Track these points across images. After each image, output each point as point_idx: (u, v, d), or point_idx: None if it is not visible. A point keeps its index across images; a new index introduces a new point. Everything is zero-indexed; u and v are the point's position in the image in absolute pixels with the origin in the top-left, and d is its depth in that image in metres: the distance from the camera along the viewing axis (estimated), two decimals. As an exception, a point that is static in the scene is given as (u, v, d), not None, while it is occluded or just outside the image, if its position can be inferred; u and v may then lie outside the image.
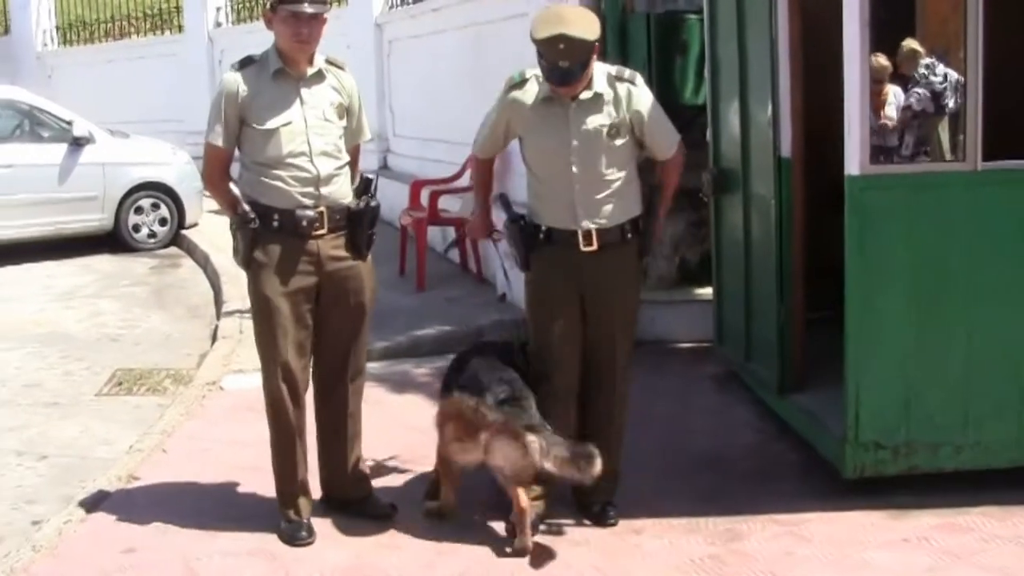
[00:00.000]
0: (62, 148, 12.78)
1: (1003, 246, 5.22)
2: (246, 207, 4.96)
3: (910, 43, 7.89)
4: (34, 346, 9.06)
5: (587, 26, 4.85)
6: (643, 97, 5.13)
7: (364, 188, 5.22)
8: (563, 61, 4.81)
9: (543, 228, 5.09)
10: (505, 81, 5.15)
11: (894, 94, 7.74)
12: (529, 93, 5.05)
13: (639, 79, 5.18)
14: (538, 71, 5.03)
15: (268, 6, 5.01)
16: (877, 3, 5.10)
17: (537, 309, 5.20)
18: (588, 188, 5.02)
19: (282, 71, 5.00)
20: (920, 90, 7.88)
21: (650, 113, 5.14)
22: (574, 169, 5.00)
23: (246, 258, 5.03)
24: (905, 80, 8.02)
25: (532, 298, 5.25)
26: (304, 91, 5.03)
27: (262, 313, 5.05)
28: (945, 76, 7.61)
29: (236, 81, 4.99)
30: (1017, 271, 5.24)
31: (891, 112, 7.52)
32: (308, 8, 4.90)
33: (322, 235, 5.03)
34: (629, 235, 5.14)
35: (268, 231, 4.98)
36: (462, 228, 9.84)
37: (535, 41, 4.83)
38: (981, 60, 5.10)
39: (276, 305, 5.00)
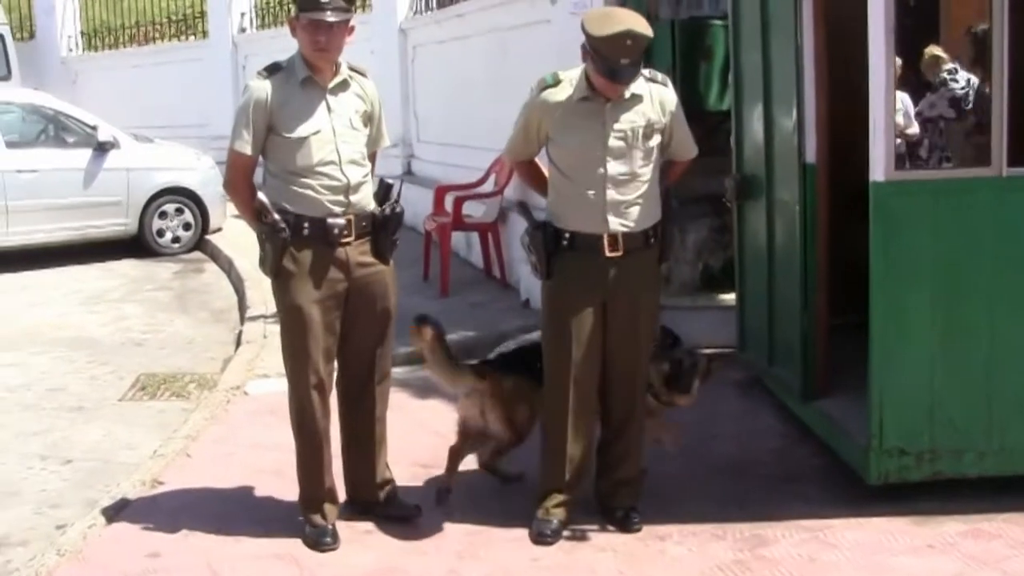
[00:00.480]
0: (87, 153, 12.85)
1: (1028, 251, 5.21)
2: (276, 216, 4.95)
3: (933, 49, 7.89)
4: (60, 350, 9.11)
5: (644, 24, 4.86)
6: (673, 99, 5.16)
7: (384, 193, 5.21)
8: (626, 58, 4.80)
9: (566, 234, 5.07)
10: (536, 83, 5.12)
11: (901, 100, 7.73)
12: (563, 93, 5.02)
13: (668, 81, 5.20)
14: (572, 73, 5.04)
15: (292, 13, 5.02)
16: (902, 10, 5.10)
17: (557, 318, 5.13)
18: (620, 189, 5.01)
19: (309, 79, 5.00)
20: (934, 97, 7.88)
21: (678, 115, 5.18)
22: (608, 169, 4.98)
23: (275, 267, 5.01)
24: (928, 86, 8.02)
25: (552, 307, 5.18)
26: (331, 99, 5.03)
27: (294, 322, 5.04)
28: (968, 81, 7.60)
29: (264, 89, 4.98)
30: (1043, 276, 5.23)
31: (898, 119, 7.51)
32: (330, 16, 4.88)
33: (350, 242, 5.04)
34: (652, 239, 5.15)
35: (298, 239, 4.98)
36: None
37: (597, 39, 4.77)
38: (1007, 65, 5.09)
39: (308, 313, 5.00)
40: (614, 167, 4.99)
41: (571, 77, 5.05)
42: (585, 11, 8.08)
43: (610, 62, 4.81)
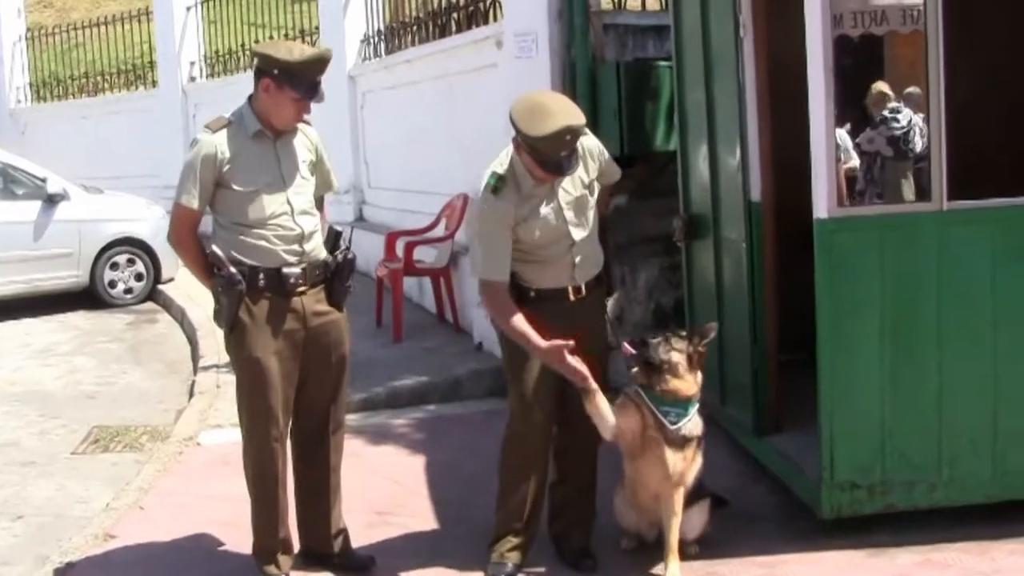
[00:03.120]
0: (36, 205, 12.72)
1: (971, 283, 5.28)
2: (232, 269, 4.92)
3: (879, 85, 7.96)
4: (11, 404, 9.02)
5: (576, 111, 4.92)
6: (597, 143, 5.26)
7: (334, 241, 5.22)
8: (566, 151, 4.85)
9: (532, 292, 5.09)
10: (484, 191, 5.00)
11: (839, 136, 7.78)
12: (512, 189, 5.00)
13: (586, 128, 5.11)
14: (508, 164, 5.01)
15: (272, 76, 4.90)
16: (840, 49, 5.17)
17: (521, 364, 5.11)
18: (584, 248, 5.12)
19: (260, 132, 5.00)
20: (872, 132, 7.94)
21: (602, 150, 5.28)
22: (574, 236, 5.08)
23: (231, 319, 4.98)
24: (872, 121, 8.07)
25: (516, 352, 5.11)
26: (280, 150, 5.04)
27: (252, 374, 5.00)
28: (909, 121, 7.67)
29: (215, 144, 4.94)
30: (985, 307, 5.29)
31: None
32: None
33: (305, 291, 5.03)
34: (601, 277, 5.27)
35: (253, 291, 4.95)
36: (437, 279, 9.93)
37: (535, 139, 4.77)
38: (943, 102, 5.17)
39: (267, 365, 4.97)
40: (577, 233, 5.10)
41: (510, 169, 5.00)
42: (531, 56, 8.17)
43: (553, 158, 4.85)
